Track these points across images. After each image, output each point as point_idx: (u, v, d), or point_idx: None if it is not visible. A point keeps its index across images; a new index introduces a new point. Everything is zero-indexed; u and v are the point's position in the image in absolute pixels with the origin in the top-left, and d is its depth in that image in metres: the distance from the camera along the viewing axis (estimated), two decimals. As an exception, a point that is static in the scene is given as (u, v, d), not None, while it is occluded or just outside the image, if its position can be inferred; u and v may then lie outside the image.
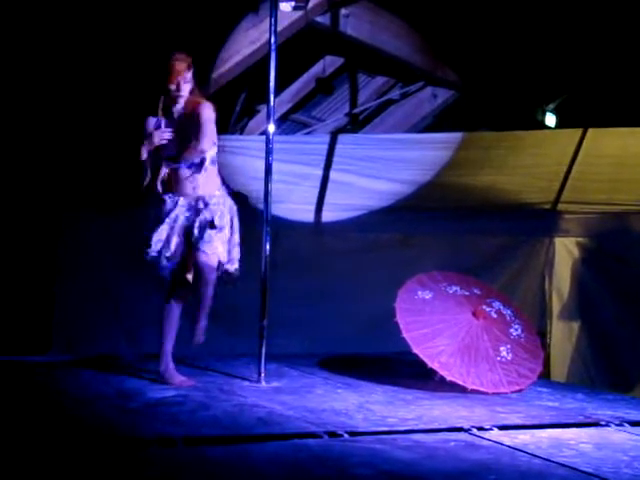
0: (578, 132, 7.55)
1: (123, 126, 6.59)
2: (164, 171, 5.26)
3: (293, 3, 6.95)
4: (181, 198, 5.30)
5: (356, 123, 9.79)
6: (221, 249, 5.24)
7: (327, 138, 7.80)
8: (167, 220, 5.29)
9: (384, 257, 7.81)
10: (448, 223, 7.88)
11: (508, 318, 6.01)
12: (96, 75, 7.06)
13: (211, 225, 5.22)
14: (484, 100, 9.53)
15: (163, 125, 5.28)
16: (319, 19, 8.19)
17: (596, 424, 4.85)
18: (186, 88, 5.24)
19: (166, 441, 4.02)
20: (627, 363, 7.88)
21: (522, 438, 4.44)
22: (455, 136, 7.74)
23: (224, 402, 5.00)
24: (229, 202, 5.35)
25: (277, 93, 6.21)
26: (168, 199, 5.31)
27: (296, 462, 3.82)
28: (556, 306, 8.18)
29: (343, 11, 8.28)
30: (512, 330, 5.93)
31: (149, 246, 5.29)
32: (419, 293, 5.99)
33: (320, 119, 9.84)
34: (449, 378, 5.56)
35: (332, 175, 7.64)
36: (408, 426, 4.57)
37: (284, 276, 7.05)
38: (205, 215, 5.24)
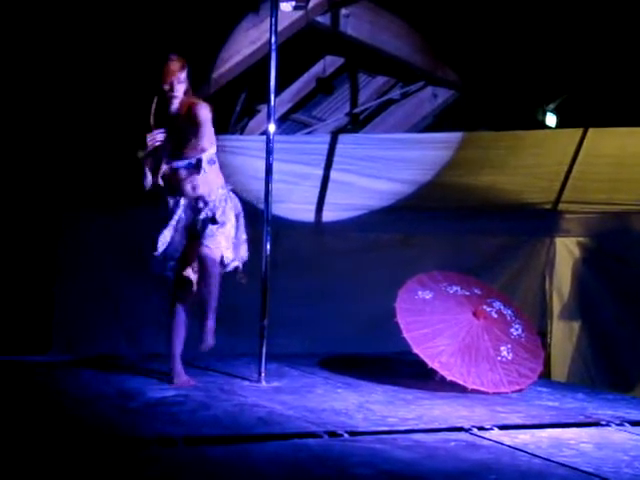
0: (578, 132, 7.55)
1: (123, 126, 6.59)
2: (164, 167, 5.24)
3: (293, 3, 6.95)
4: (182, 198, 5.31)
5: (356, 123, 9.80)
6: (224, 244, 5.24)
7: (327, 138, 7.81)
8: (171, 222, 5.31)
9: (384, 257, 7.82)
10: (449, 223, 7.88)
11: (509, 318, 6.01)
12: (97, 75, 7.06)
13: (212, 221, 5.23)
14: (484, 100, 9.53)
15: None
16: (319, 19, 8.19)
17: (596, 424, 4.84)
18: (180, 89, 5.22)
19: (166, 441, 4.02)
20: (627, 363, 7.87)
21: (522, 438, 4.43)
22: (455, 136, 7.75)
23: (224, 402, 4.99)
24: (234, 200, 5.35)
25: (277, 93, 6.21)
26: (171, 200, 5.32)
27: (296, 462, 3.82)
28: (556, 306, 8.18)
29: (343, 11, 8.28)
30: (512, 330, 5.92)
31: (156, 249, 5.31)
32: (419, 293, 5.98)
33: (320, 119, 9.84)
34: (449, 378, 5.55)
35: (332, 175, 7.64)
36: (408, 426, 4.57)
37: (284, 276, 7.05)
38: (206, 212, 5.26)
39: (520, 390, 5.69)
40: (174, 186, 5.31)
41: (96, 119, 7.04)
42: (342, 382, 5.83)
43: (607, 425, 4.82)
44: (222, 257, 5.26)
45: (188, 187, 5.29)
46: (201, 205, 5.28)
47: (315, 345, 7.20)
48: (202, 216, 5.27)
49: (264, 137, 6.08)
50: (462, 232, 7.98)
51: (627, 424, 4.85)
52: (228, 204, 5.30)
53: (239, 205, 5.39)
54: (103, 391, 5.18)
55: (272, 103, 5.88)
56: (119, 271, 7.21)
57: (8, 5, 6.79)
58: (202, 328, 5.28)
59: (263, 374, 5.64)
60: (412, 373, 5.92)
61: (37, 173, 7.01)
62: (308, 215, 7.81)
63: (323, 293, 7.62)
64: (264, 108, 7.59)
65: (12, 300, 6.97)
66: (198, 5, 7.38)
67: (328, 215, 7.84)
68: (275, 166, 5.90)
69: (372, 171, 7.66)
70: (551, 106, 9.80)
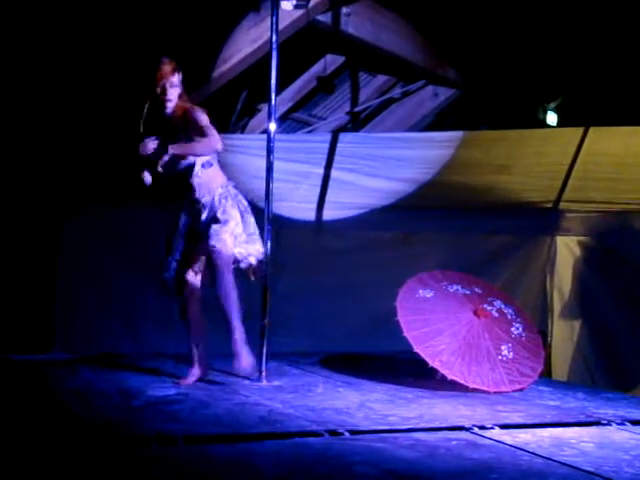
0: (579, 131, 7.54)
1: (124, 126, 6.59)
2: (164, 159, 5.19)
3: (294, 2, 6.96)
4: (184, 202, 5.33)
5: (357, 122, 9.79)
6: (230, 242, 5.23)
7: (328, 137, 7.79)
8: (178, 227, 5.33)
9: (385, 256, 7.82)
10: (449, 222, 7.88)
11: (509, 317, 6.01)
12: (97, 75, 7.06)
13: (214, 220, 5.23)
14: (485, 99, 9.53)
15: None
16: (320, 18, 8.18)
17: (597, 423, 4.84)
18: (173, 93, 5.19)
19: (167, 439, 4.02)
20: (628, 362, 7.87)
21: (523, 437, 4.43)
22: (456, 135, 7.74)
23: (225, 400, 5.00)
24: (236, 198, 5.33)
25: (278, 92, 6.20)
26: (176, 205, 5.35)
27: (297, 460, 3.82)
28: (557, 305, 8.18)
29: (344, 10, 8.28)
30: (513, 329, 5.92)
31: (167, 255, 5.33)
32: (420, 292, 5.98)
33: (321, 118, 9.84)
34: (450, 377, 5.55)
35: (333, 174, 7.63)
36: (409, 425, 4.57)
37: (285, 274, 7.07)
38: (207, 213, 5.26)
39: (521, 389, 5.70)
40: (174, 190, 5.32)
41: (97, 118, 7.04)
42: (343, 381, 5.83)
43: (608, 424, 4.81)
44: (234, 255, 5.25)
45: (186, 190, 5.30)
46: (201, 207, 5.28)
47: (316, 344, 7.20)
48: (203, 218, 5.27)
49: (265, 136, 6.08)
50: (463, 231, 7.97)
51: (628, 423, 4.84)
52: (228, 202, 5.28)
53: (244, 201, 5.37)
54: (104, 389, 5.18)
55: (273, 102, 5.88)
56: (120, 270, 7.21)
57: (8, 5, 6.79)
58: (232, 346, 5.25)
59: (264, 373, 5.64)
60: (413, 372, 5.92)
61: (38, 173, 7.01)
62: (309, 214, 7.80)
63: (324, 291, 7.61)
64: (265, 107, 7.59)
65: (13, 299, 6.97)
66: (199, 4, 7.38)
67: (329, 214, 7.84)
68: (276, 165, 5.90)
69: (373, 170, 7.65)
70: (552, 105, 9.79)
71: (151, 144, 5.18)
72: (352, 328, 7.54)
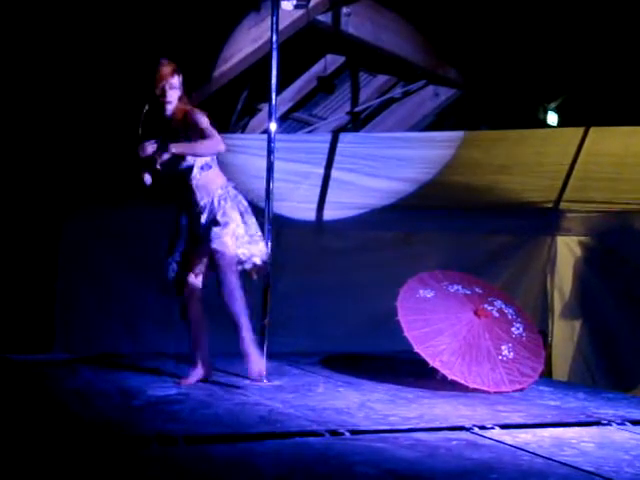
0: (580, 131, 7.54)
1: (124, 126, 6.59)
2: (165, 156, 5.19)
3: (295, 1, 6.96)
4: (183, 203, 5.33)
5: (357, 122, 9.79)
6: (231, 243, 5.22)
7: (328, 137, 7.80)
8: (179, 228, 5.33)
9: (386, 256, 7.82)
10: (450, 221, 7.88)
11: (510, 317, 6.00)
12: (98, 75, 7.06)
13: (215, 223, 5.22)
14: (486, 99, 9.53)
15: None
16: (320, 18, 8.18)
17: (598, 423, 4.83)
18: (173, 94, 5.16)
19: (167, 439, 4.02)
20: (629, 362, 7.87)
21: (524, 437, 4.43)
22: (457, 134, 7.74)
23: (225, 400, 5.00)
24: (236, 199, 5.32)
25: (279, 91, 6.21)
26: (176, 207, 5.35)
27: (298, 460, 3.82)
28: (558, 305, 8.18)
29: (344, 10, 8.28)
30: (514, 329, 5.92)
31: (166, 256, 5.34)
32: (421, 292, 5.98)
33: (321, 118, 9.84)
34: (450, 377, 5.55)
35: (333, 174, 7.63)
36: (410, 425, 4.56)
37: (286, 274, 7.07)
38: (207, 216, 5.25)
39: (521, 389, 5.69)
40: (174, 193, 5.32)
41: (98, 118, 7.04)
42: (343, 381, 5.83)
43: (608, 424, 4.81)
44: (237, 256, 5.25)
45: (185, 192, 5.29)
46: (200, 209, 5.27)
47: (316, 343, 7.20)
48: (203, 220, 5.26)
49: (265, 136, 6.09)
50: (463, 231, 7.97)
51: (628, 423, 4.84)
52: (228, 203, 5.26)
53: (244, 202, 5.36)
54: (104, 389, 5.18)
55: (273, 102, 5.88)
56: (120, 270, 7.21)
57: (8, 6, 6.79)
58: (240, 345, 5.23)
59: (264, 372, 5.64)
60: (413, 372, 5.92)
61: (38, 173, 7.01)
62: (309, 214, 7.81)
63: (324, 291, 7.61)
64: (265, 107, 7.59)
65: (13, 299, 6.98)
66: (199, 4, 7.38)
67: (329, 214, 7.84)
68: (276, 165, 5.90)
69: (373, 170, 7.66)
70: (552, 105, 9.79)
71: (150, 147, 5.17)
72: (352, 328, 7.54)
